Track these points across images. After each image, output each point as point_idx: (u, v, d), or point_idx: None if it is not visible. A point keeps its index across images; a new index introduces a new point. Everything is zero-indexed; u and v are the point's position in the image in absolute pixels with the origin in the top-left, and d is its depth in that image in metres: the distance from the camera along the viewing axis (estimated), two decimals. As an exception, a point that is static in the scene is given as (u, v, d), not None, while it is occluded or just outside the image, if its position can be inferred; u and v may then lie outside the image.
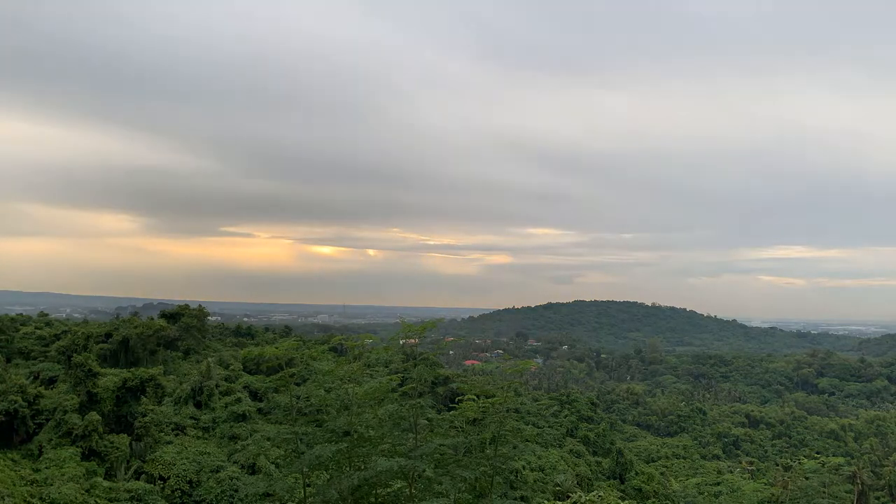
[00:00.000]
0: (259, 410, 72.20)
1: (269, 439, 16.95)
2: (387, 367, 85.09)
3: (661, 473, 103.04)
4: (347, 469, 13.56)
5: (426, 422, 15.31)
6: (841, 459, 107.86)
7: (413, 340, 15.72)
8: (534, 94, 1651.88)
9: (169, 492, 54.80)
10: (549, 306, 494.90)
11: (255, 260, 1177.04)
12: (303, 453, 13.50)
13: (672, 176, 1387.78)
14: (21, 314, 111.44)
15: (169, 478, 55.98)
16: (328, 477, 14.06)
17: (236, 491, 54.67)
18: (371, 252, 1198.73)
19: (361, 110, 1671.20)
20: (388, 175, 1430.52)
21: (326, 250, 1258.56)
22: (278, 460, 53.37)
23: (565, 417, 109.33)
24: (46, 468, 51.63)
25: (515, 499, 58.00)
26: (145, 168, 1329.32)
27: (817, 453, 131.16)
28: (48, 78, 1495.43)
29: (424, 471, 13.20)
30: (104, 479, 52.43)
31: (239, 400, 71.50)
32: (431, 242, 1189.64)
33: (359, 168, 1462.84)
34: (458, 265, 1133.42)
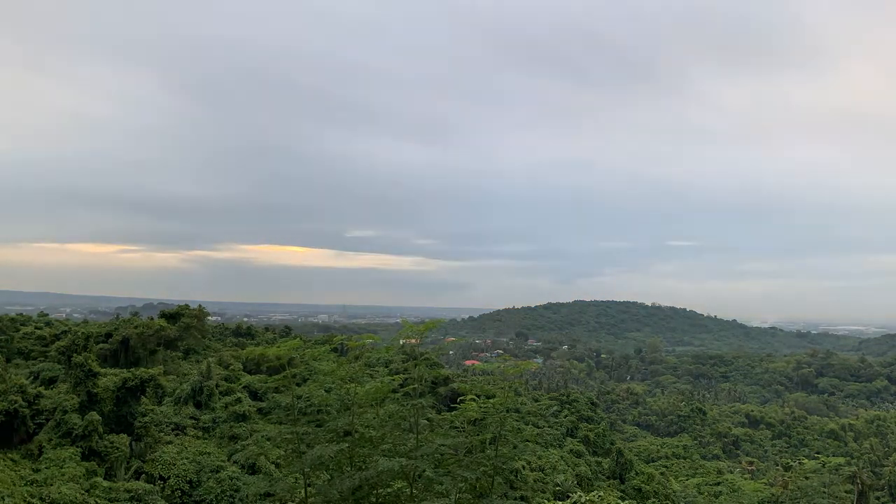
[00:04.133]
0: (259, 410, 72.15)
1: (269, 439, 16.96)
2: (387, 367, 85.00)
3: (661, 473, 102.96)
4: (348, 469, 13.55)
5: (427, 422, 15.30)
6: (841, 459, 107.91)
7: (413, 340, 15.68)
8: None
9: (169, 492, 54.78)
10: (549, 306, 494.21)
11: (256, 260, 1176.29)
12: (304, 453, 13.49)
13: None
14: (21, 314, 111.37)
15: (169, 478, 55.96)
16: (329, 477, 14.05)
17: (236, 491, 54.67)
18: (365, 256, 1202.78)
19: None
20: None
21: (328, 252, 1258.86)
22: (279, 460, 53.34)
23: (565, 417, 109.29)
24: (46, 468, 51.62)
25: (515, 499, 57.96)
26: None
27: (817, 453, 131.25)
28: None
29: (425, 471, 13.19)
30: (104, 479, 52.42)
31: (239, 400, 71.47)
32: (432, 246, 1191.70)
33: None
34: (458, 267, 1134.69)
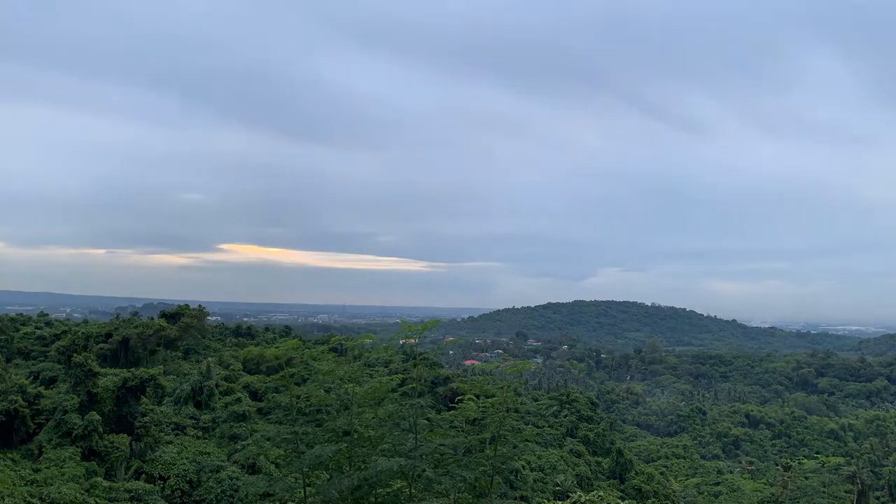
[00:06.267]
0: (259, 410, 72.20)
1: (269, 439, 16.99)
2: (387, 366, 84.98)
3: (661, 473, 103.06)
4: (347, 469, 13.58)
5: (426, 422, 15.35)
6: (841, 459, 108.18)
7: (413, 340, 15.73)
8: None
9: (169, 492, 54.78)
10: (549, 306, 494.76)
11: (256, 261, 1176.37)
12: (303, 453, 13.53)
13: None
14: (21, 314, 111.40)
15: (169, 478, 55.97)
16: (328, 477, 14.09)
17: (236, 491, 54.66)
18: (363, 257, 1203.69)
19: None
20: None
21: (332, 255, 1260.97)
22: (278, 460, 53.36)
23: (565, 417, 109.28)
24: (46, 468, 51.64)
25: (515, 499, 58.00)
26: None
27: (817, 453, 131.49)
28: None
29: (424, 471, 13.24)
30: (104, 479, 52.43)
31: (239, 400, 71.51)
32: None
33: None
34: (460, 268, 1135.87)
